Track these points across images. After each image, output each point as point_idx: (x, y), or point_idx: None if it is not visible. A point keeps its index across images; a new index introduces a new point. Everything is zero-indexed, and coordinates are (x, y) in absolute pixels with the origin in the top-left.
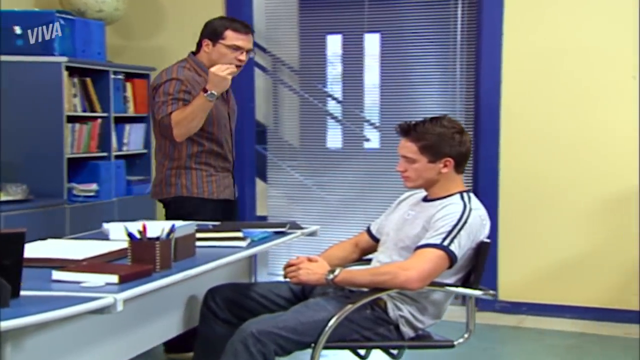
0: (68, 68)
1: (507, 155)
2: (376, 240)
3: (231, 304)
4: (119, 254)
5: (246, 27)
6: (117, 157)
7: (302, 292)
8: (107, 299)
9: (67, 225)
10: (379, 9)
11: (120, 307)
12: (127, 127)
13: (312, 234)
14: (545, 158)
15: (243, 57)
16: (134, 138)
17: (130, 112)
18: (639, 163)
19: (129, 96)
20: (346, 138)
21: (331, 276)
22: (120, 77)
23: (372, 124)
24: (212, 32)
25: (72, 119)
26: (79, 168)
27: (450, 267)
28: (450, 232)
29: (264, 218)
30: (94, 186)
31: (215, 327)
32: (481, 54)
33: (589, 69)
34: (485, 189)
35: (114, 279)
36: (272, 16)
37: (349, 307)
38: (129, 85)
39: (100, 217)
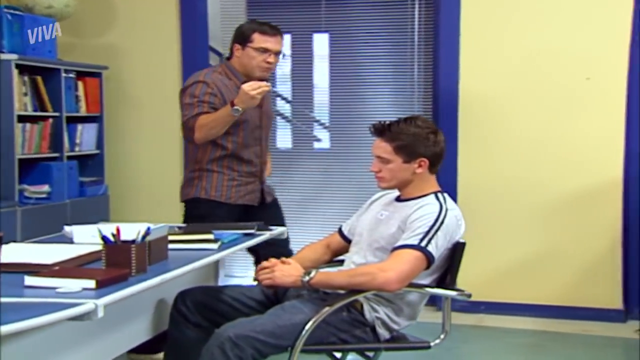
0: (18, 66)
1: (466, 154)
2: (348, 241)
3: (202, 307)
4: (90, 257)
5: (274, 30)
6: (69, 157)
7: (275, 295)
8: (87, 305)
9: (19, 228)
10: (328, 9)
11: (101, 313)
12: (80, 127)
13: (280, 235)
14: (503, 158)
15: (272, 59)
16: (86, 138)
17: (83, 111)
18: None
19: (81, 95)
20: (296, 138)
21: (307, 278)
22: (71, 75)
23: (322, 124)
24: (240, 36)
25: (22, 119)
26: (30, 169)
27: (427, 267)
28: (427, 232)
29: None
30: (45, 187)
31: (185, 331)
32: (439, 54)
33: (546, 69)
34: (444, 188)
35: (91, 284)
36: (222, 16)
37: (327, 310)
38: (80, 84)
39: (52, 219)
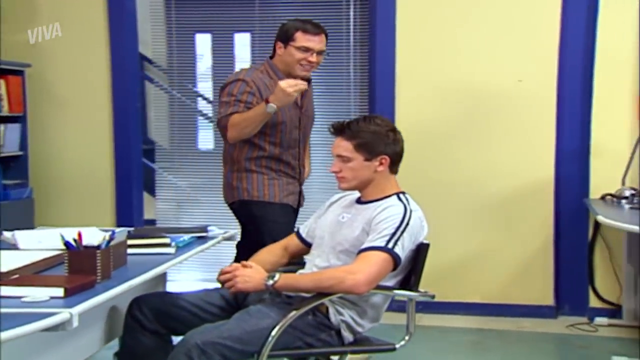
0: None
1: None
2: (306, 244)
3: (160, 314)
4: (45, 264)
5: (317, 28)
6: None
7: (235, 300)
8: (62, 315)
9: None
10: (261, 8)
11: (76, 323)
12: (2, 127)
13: (231, 238)
14: (440, 158)
15: (314, 58)
16: (9, 139)
17: (5, 111)
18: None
19: (3, 94)
20: (218, 139)
21: (271, 282)
22: None
23: None
24: (283, 35)
25: None
26: None
27: (394, 269)
28: (393, 234)
29: (152, 222)
30: None
31: (141, 339)
32: (375, 55)
33: (479, 71)
34: None
35: (59, 292)
36: (141, 14)
37: (294, 314)
38: (2, 83)
39: None
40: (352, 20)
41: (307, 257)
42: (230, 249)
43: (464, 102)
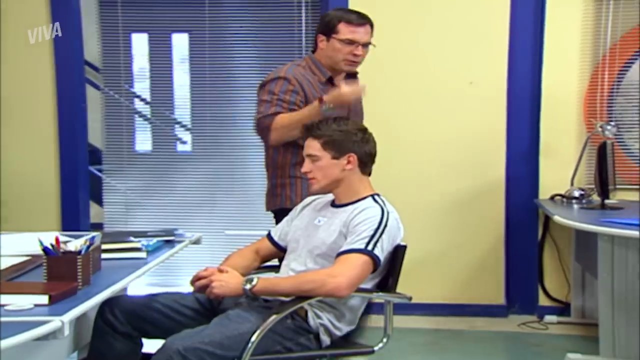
0: None
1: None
2: (278, 247)
3: (132, 316)
4: (17, 269)
5: (362, 18)
6: None
7: (210, 302)
8: (54, 323)
9: None
10: (210, 8)
11: (67, 331)
12: None
13: (196, 242)
14: (392, 159)
15: (359, 51)
16: None
17: None
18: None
19: None
20: (156, 140)
21: (249, 286)
22: None
23: (183, 126)
24: (325, 26)
25: None
26: None
27: (373, 271)
28: (372, 236)
29: (99, 225)
30: None
31: (113, 342)
32: None
33: (431, 74)
34: None
35: (44, 299)
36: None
37: (274, 318)
38: None
39: None
40: (304, 21)
41: (283, 262)
42: (189, 253)
43: (416, 103)
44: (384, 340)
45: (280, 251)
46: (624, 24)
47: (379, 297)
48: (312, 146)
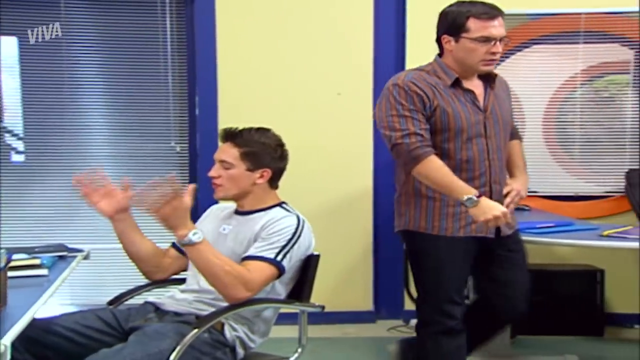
0: None
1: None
2: (183, 254)
3: (30, 342)
4: None
5: (493, 9)
6: None
7: (115, 320)
8: None
9: None
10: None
11: (9, 356)
12: None
13: (86, 257)
14: None
15: (497, 48)
16: None
17: None
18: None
19: None
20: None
21: (196, 238)
22: None
23: (15, 135)
24: (450, 26)
25: None
26: None
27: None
28: (284, 246)
29: None
30: None
31: None
32: (195, 64)
33: (301, 84)
34: (204, 201)
35: None
36: None
37: (196, 332)
38: None
39: None
40: (168, 26)
41: (188, 273)
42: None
43: (286, 114)
44: (299, 350)
45: (183, 260)
46: None
47: (293, 307)
48: (230, 153)
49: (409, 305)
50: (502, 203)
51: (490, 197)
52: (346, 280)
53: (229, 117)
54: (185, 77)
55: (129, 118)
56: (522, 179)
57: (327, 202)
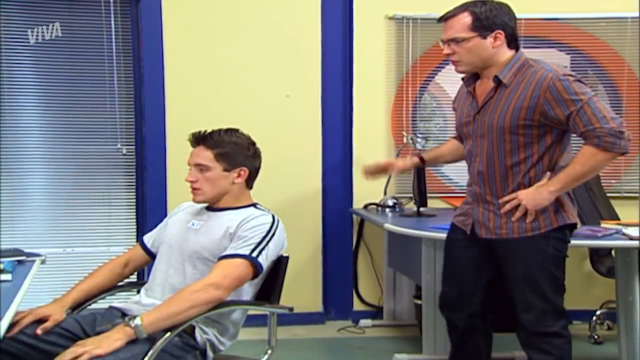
0: None
1: (174, 167)
2: (152, 255)
3: None
4: None
5: (447, 13)
6: None
7: (78, 326)
8: None
9: None
10: None
11: None
12: None
13: (43, 262)
14: None
15: (444, 50)
16: None
17: None
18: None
19: None
20: None
21: (138, 322)
22: None
23: None
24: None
25: None
26: None
27: (253, 278)
28: (259, 243)
29: None
30: None
31: None
32: (142, 64)
33: (249, 86)
34: (153, 202)
35: None
36: None
37: (167, 336)
38: None
39: None
40: (113, 26)
41: (154, 268)
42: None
43: (234, 116)
44: (269, 352)
45: (153, 259)
46: (424, 42)
47: (262, 309)
48: (204, 156)
49: (358, 306)
50: (482, 207)
51: (472, 199)
52: (295, 281)
53: (176, 118)
54: (131, 78)
55: (73, 119)
56: (534, 190)
57: (276, 203)
